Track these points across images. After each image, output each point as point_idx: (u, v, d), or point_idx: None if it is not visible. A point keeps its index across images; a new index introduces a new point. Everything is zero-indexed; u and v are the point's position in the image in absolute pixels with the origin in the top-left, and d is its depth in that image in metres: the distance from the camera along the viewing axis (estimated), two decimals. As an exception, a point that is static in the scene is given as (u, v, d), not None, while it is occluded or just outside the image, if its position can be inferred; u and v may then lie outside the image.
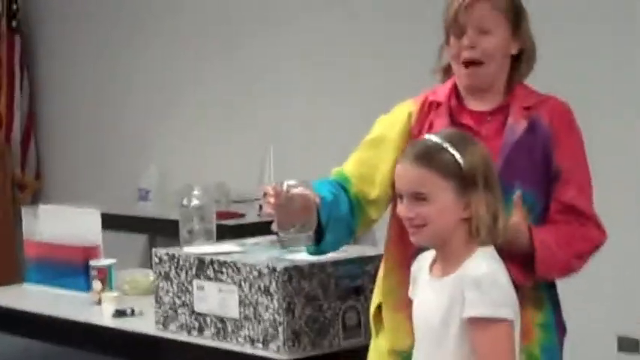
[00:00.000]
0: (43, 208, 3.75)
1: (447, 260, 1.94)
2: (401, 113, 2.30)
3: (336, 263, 2.66)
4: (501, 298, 1.87)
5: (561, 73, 3.84)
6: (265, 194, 2.18)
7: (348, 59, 5.22)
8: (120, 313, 3.06)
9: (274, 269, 2.54)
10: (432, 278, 1.96)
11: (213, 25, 5.83)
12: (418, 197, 1.90)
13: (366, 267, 2.75)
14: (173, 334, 2.80)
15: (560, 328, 2.31)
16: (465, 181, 1.89)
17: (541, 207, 2.20)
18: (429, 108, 2.25)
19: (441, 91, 2.27)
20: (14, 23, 6.26)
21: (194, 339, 2.73)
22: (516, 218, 2.09)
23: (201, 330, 2.73)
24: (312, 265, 2.61)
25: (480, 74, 2.17)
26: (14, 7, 6.34)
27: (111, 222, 4.00)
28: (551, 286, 2.29)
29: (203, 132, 6.00)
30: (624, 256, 4.35)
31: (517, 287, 2.04)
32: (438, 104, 2.24)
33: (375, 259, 2.68)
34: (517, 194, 2.12)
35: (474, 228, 1.90)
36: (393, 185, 2.13)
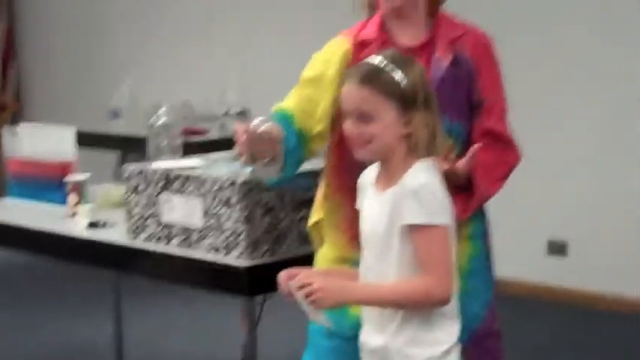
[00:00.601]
0: (22, 127, 3.79)
1: (390, 174, 1.99)
2: (337, 50, 2.35)
3: (290, 176, 2.65)
4: (437, 206, 1.94)
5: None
6: (237, 134, 2.21)
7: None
8: (93, 225, 3.12)
9: (234, 182, 2.60)
10: (377, 191, 2.02)
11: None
12: (363, 116, 1.95)
13: (318, 179, 2.67)
14: (143, 243, 2.87)
15: (487, 235, 2.43)
16: (405, 100, 1.94)
17: (466, 135, 2.29)
18: (361, 46, 2.29)
19: (369, 29, 2.33)
20: None
21: (162, 248, 2.80)
22: (464, 167, 2.17)
23: (168, 239, 2.79)
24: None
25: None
26: None
27: (85, 140, 3.99)
28: None
29: (171, 56, 6.17)
30: (553, 167, 4.62)
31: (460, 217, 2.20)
32: (370, 41, 2.29)
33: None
34: (477, 146, 2.18)
35: (413, 144, 1.95)
36: (333, 119, 2.25)
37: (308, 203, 2.70)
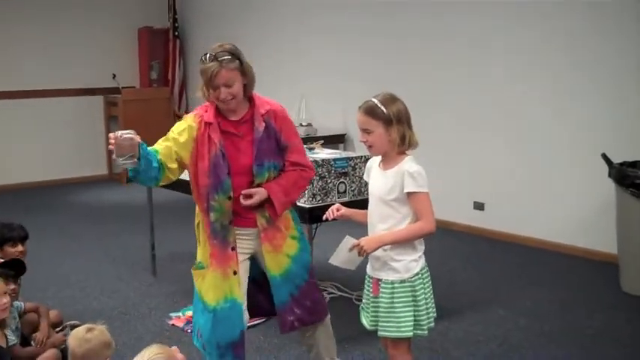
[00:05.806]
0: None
1: (388, 161, 2.33)
2: (187, 125, 2.55)
3: (334, 159, 3.39)
4: (422, 181, 2.28)
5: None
6: (110, 138, 2.34)
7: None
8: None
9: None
10: (380, 170, 2.35)
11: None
12: (366, 131, 2.31)
13: (349, 161, 3.40)
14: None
15: (303, 235, 2.73)
16: (387, 121, 2.25)
17: (280, 167, 2.61)
18: (205, 126, 2.53)
19: (209, 114, 2.56)
20: (176, 33, 8.48)
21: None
22: (261, 189, 2.50)
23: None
24: (324, 159, 3.32)
25: (232, 103, 2.52)
26: (176, 24, 8.44)
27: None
28: (293, 210, 2.73)
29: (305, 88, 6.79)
30: (477, 152, 5.60)
31: (274, 219, 2.56)
32: (210, 123, 2.54)
33: (354, 157, 3.42)
34: (243, 193, 2.44)
35: (394, 144, 2.25)
36: (180, 164, 2.50)
37: (344, 176, 3.35)
